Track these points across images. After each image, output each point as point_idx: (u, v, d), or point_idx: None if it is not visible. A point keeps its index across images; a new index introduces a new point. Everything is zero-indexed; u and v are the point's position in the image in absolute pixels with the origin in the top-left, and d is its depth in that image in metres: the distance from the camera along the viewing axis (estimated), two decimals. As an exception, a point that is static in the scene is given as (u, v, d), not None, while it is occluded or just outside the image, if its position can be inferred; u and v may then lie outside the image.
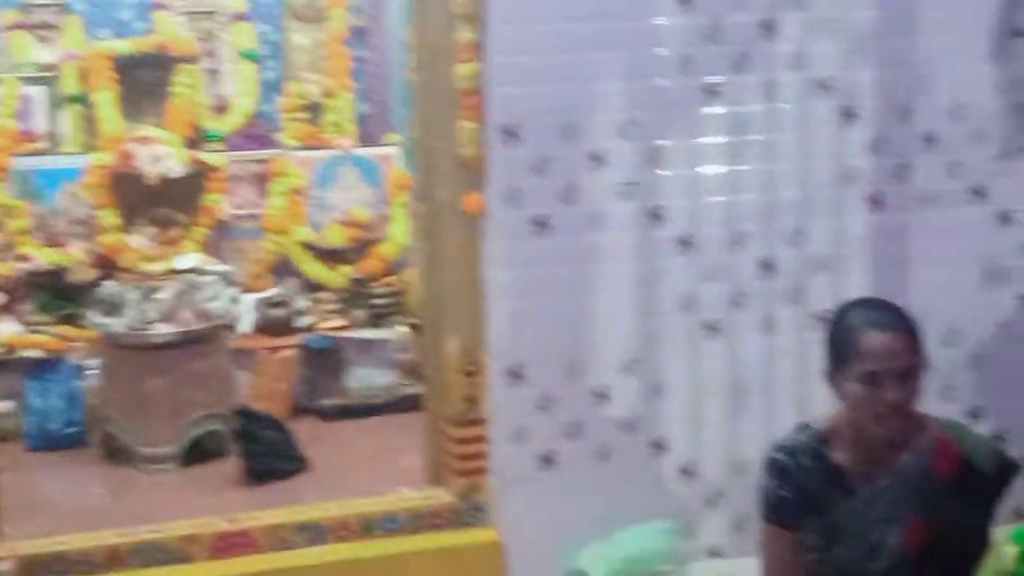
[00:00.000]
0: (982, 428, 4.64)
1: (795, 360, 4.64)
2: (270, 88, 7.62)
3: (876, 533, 3.11)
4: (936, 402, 3.54)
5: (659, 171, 4.52)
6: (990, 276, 4.83)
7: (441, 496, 4.66)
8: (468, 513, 4.61)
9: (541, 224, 4.44)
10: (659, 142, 4.51)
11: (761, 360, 4.65)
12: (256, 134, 7.44)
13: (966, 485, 3.09)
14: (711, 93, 4.54)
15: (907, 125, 4.70)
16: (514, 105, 4.40)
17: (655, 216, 4.53)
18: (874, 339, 3.03)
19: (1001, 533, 2.70)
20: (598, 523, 4.53)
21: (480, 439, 4.57)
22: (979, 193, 4.79)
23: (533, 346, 4.48)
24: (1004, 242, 4.83)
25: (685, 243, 4.56)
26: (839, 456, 3.15)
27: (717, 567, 4.62)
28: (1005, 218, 4.82)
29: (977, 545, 3.11)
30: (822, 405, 4.41)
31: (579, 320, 4.51)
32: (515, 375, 4.49)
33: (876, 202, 4.70)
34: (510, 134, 4.41)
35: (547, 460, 4.55)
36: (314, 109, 7.57)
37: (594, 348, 4.54)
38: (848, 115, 4.64)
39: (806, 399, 4.58)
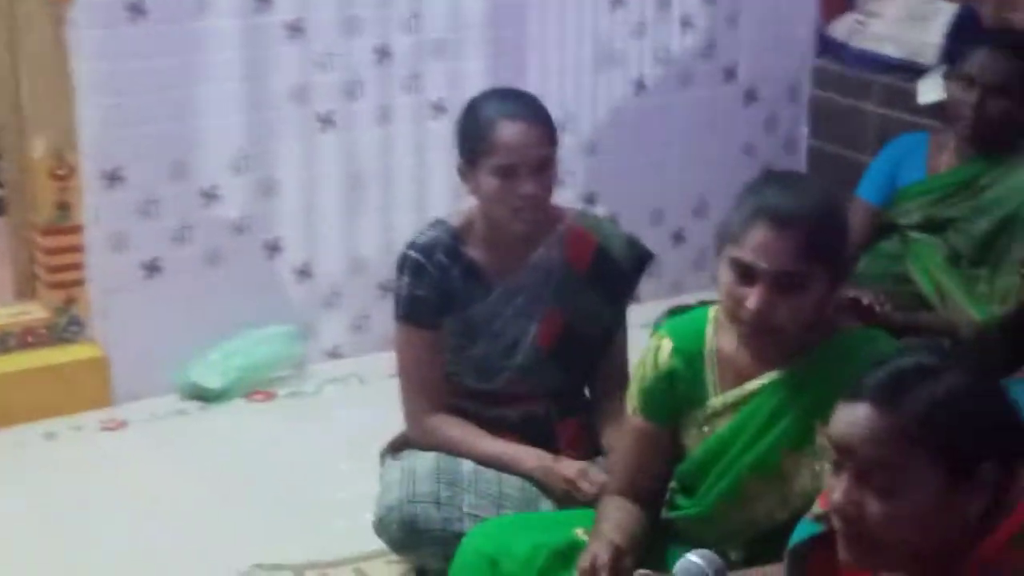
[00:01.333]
0: (596, 212, 4.69)
1: (412, 151, 4.55)
2: None
3: (513, 328, 3.13)
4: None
5: (263, -50, 4.23)
6: (603, 60, 4.82)
7: (34, 311, 4.40)
8: (66, 328, 4.36)
9: (136, 10, 4.08)
10: (259, -81, 4.21)
11: (378, 152, 4.52)
12: None
13: (601, 275, 3.15)
14: None
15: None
16: None
17: (262, 0, 4.24)
18: (508, 130, 3.00)
19: (655, 327, 2.70)
20: (211, 331, 4.37)
21: (75, 248, 4.30)
22: (589, -26, 4.75)
23: (132, 145, 4.18)
24: (616, 24, 4.81)
25: (295, 29, 4.31)
26: (474, 252, 3.14)
27: (337, 368, 4.56)
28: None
29: (612, 333, 3.15)
30: (440, 197, 4.47)
31: (183, 115, 4.23)
32: (113, 177, 4.18)
33: (490, -16, 4.58)
34: (91, -94, 3.99)
35: (152, 268, 4.31)
36: None
37: (200, 145, 4.28)
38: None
39: (424, 191, 4.54)
